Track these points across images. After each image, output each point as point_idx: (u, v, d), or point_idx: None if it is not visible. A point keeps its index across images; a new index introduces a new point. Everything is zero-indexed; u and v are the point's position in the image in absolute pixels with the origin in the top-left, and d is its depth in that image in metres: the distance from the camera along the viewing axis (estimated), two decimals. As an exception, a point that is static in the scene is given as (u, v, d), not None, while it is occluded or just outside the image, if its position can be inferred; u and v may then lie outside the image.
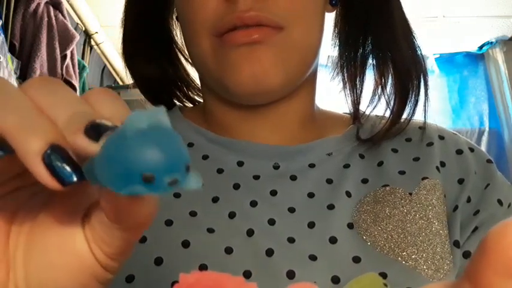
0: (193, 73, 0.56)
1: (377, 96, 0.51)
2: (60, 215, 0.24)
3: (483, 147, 2.87)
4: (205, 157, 0.49)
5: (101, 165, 0.19)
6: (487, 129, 2.96)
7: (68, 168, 0.20)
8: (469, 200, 0.47)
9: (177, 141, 0.19)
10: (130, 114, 0.19)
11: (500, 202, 0.47)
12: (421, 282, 0.41)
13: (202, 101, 0.56)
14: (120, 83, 2.86)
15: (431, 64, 2.89)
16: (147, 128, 0.18)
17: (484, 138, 2.94)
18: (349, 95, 0.53)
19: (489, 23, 2.70)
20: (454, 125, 2.95)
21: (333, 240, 0.43)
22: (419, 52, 0.50)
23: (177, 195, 0.45)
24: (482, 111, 3.00)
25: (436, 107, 2.82)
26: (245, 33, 0.43)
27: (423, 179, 0.47)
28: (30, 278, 0.24)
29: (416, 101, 0.50)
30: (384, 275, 0.41)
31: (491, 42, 2.94)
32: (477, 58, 3.06)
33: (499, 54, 2.95)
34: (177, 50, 0.57)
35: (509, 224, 0.14)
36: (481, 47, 3.00)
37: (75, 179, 0.20)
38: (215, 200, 0.45)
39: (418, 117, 0.51)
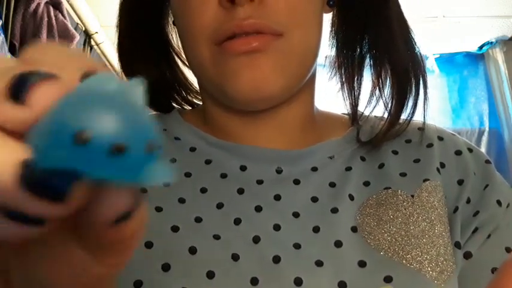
0: (191, 76, 0.56)
1: (375, 97, 0.51)
2: (53, 232, 0.23)
3: (483, 147, 2.87)
4: (208, 162, 0.48)
5: (38, 127, 0.15)
6: (487, 129, 2.96)
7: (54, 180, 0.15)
8: (468, 200, 0.47)
9: (143, 115, 0.15)
10: (98, 73, 0.15)
11: (499, 203, 0.46)
12: (426, 285, 0.41)
13: (201, 103, 0.56)
14: (120, 83, 2.86)
15: (431, 64, 2.88)
16: (112, 92, 0.15)
17: (484, 138, 2.93)
18: (347, 97, 0.52)
19: (489, 23, 2.70)
20: (454, 125, 2.95)
21: (338, 244, 0.43)
22: (417, 52, 0.50)
23: (181, 201, 0.45)
24: (482, 111, 3.00)
25: (436, 107, 2.82)
26: (244, 41, 0.42)
27: (424, 180, 0.47)
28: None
29: (415, 102, 0.49)
30: (389, 279, 0.41)
31: (491, 42, 2.93)
32: (477, 58, 3.05)
33: (499, 54, 2.95)
34: (173, 53, 0.56)
35: None
36: (481, 47, 2.99)
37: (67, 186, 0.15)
38: (220, 206, 0.45)
39: (418, 117, 0.51)
